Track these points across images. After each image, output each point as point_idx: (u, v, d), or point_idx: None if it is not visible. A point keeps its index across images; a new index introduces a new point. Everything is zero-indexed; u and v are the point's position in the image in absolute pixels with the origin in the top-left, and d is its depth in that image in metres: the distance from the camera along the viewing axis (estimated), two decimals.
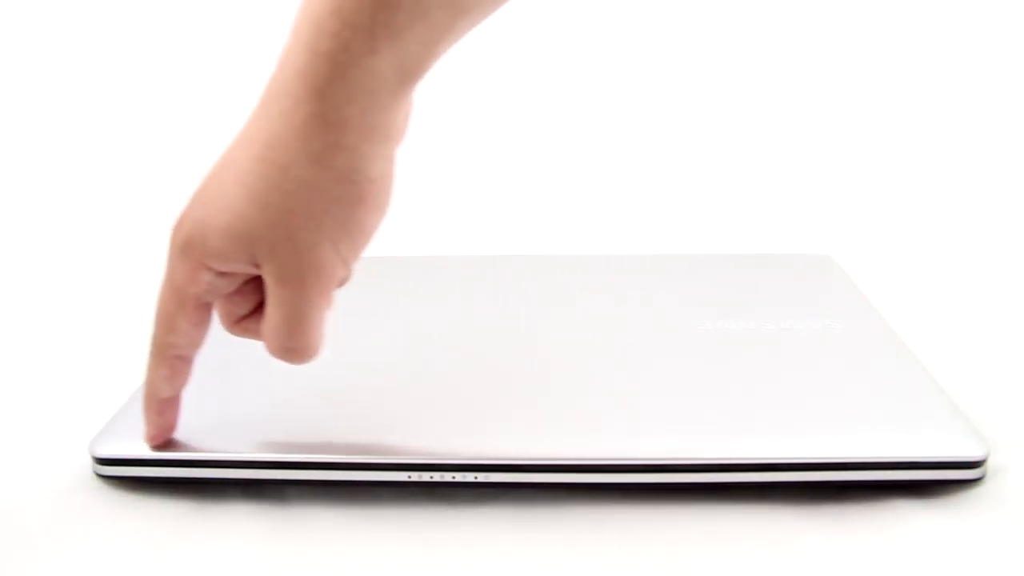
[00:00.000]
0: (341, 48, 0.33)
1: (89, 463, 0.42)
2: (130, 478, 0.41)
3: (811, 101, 0.88)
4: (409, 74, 0.35)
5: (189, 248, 0.37)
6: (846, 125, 0.86)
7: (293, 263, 0.36)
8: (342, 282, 0.39)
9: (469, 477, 0.40)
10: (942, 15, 0.90)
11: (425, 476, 0.40)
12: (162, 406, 0.40)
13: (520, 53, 0.90)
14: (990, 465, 0.40)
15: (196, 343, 0.39)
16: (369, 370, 0.46)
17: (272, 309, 0.37)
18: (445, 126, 0.87)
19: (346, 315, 0.53)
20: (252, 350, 0.49)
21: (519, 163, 0.85)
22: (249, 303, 0.39)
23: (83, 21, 0.92)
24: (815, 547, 0.37)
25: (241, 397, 0.44)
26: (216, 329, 0.51)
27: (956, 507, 0.39)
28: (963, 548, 0.37)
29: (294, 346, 0.37)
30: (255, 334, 0.39)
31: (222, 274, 0.37)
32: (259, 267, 0.36)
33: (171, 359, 0.39)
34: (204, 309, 0.38)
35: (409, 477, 0.40)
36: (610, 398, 0.43)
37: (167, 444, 0.41)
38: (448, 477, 0.40)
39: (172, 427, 0.41)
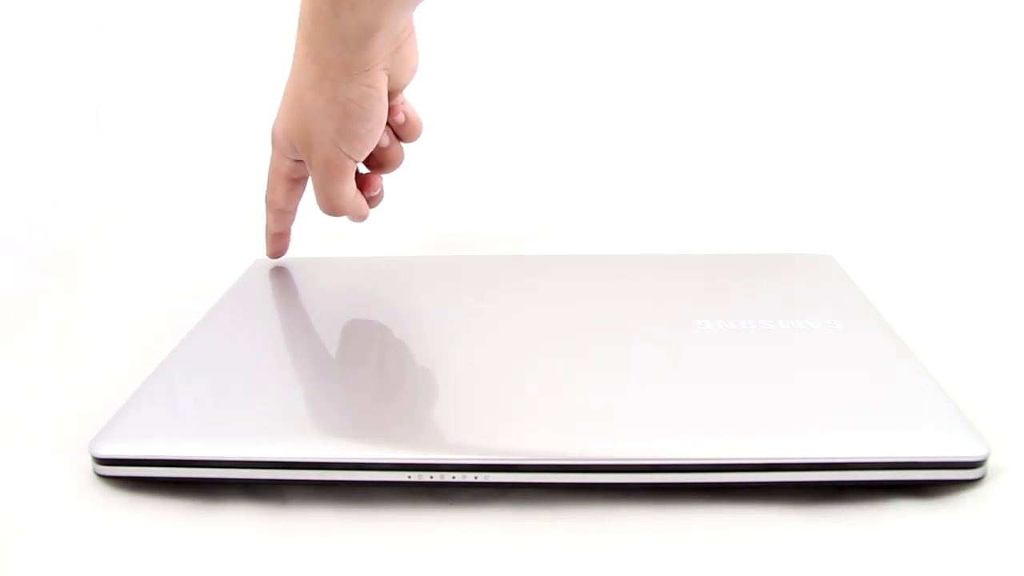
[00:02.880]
0: (314, 12, 0.47)
1: (89, 463, 0.42)
2: (130, 478, 0.41)
3: (811, 101, 0.88)
4: (371, 29, 0.47)
5: (272, 143, 0.56)
6: (846, 125, 0.86)
7: (312, 156, 0.52)
8: (386, 164, 0.58)
9: (469, 477, 0.40)
10: (942, 15, 0.90)
11: (425, 476, 0.40)
12: (275, 238, 0.60)
13: (520, 53, 0.91)
14: (990, 465, 0.40)
15: (290, 203, 0.58)
16: (369, 370, 0.46)
17: (313, 183, 0.54)
18: (445, 126, 0.88)
19: (346, 315, 0.53)
20: (252, 350, 0.49)
21: (519, 163, 0.85)
22: None
23: (83, 21, 0.92)
24: (815, 547, 0.37)
25: (241, 397, 0.44)
26: (217, 332, 0.51)
27: (956, 507, 0.39)
28: (963, 548, 0.37)
29: (328, 208, 0.54)
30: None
31: (296, 160, 0.55)
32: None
33: (274, 211, 0.58)
34: (293, 182, 0.57)
35: (409, 477, 0.40)
36: (610, 398, 0.43)
37: (165, 445, 0.41)
38: (448, 477, 0.40)
39: (283, 251, 0.60)
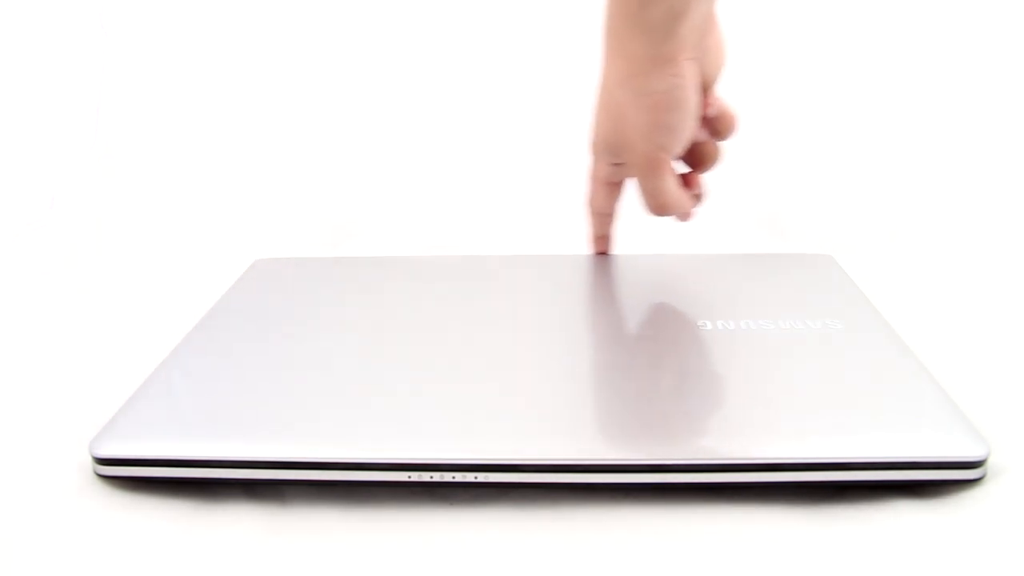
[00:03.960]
0: (621, 7, 0.48)
1: (89, 463, 0.42)
2: (130, 478, 0.41)
3: (812, 101, 0.88)
4: (677, 16, 0.47)
5: (591, 150, 0.57)
6: (846, 125, 0.86)
7: (630, 155, 0.53)
8: (704, 161, 0.56)
9: (469, 477, 0.40)
10: (942, 15, 0.90)
11: (425, 476, 0.40)
12: (599, 240, 0.62)
13: (520, 54, 0.90)
14: (990, 465, 0.40)
15: (610, 207, 0.60)
16: (369, 370, 0.46)
17: (636, 184, 0.54)
18: (445, 126, 0.88)
19: (346, 315, 0.53)
20: (252, 350, 0.49)
21: (519, 163, 0.85)
22: None
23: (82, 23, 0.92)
24: (815, 547, 0.37)
25: (241, 397, 0.44)
26: (217, 332, 0.51)
27: (956, 507, 0.39)
28: (963, 548, 0.37)
29: (654, 206, 0.54)
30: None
31: (615, 164, 0.56)
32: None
33: (596, 216, 0.61)
34: (612, 186, 0.59)
35: (409, 477, 0.40)
36: (611, 398, 0.43)
37: (167, 446, 0.41)
38: (448, 477, 0.40)
39: (608, 251, 0.62)
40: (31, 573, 0.37)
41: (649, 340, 0.49)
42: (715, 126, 0.55)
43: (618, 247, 0.64)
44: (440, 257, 0.63)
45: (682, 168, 0.57)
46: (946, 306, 0.58)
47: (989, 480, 0.40)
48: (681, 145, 0.53)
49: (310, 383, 0.45)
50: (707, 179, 0.57)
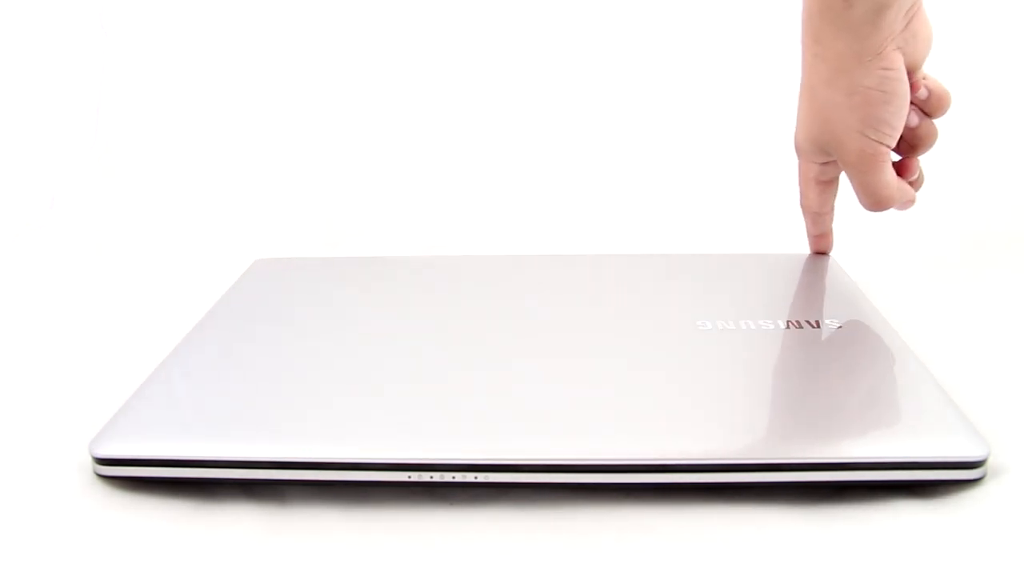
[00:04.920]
0: (824, 8, 0.49)
1: (89, 463, 0.42)
2: (130, 478, 0.41)
3: None
4: (882, 8, 0.47)
5: (797, 152, 0.57)
6: None
7: (842, 152, 0.53)
8: (919, 145, 0.55)
9: (469, 477, 0.40)
10: (942, 15, 0.90)
11: (425, 476, 0.40)
12: (817, 239, 0.61)
13: (521, 53, 0.90)
14: (990, 465, 0.40)
15: (824, 205, 0.59)
16: (369, 370, 0.46)
17: (851, 181, 0.54)
18: (444, 126, 0.88)
19: (346, 315, 0.53)
20: (252, 350, 0.49)
21: (519, 163, 0.85)
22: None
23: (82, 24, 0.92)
24: (814, 547, 0.37)
25: (241, 397, 0.44)
26: (217, 332, 0.51)
27: (956, 507, 0.39)
28: (963, 548, 0.37)
29: (872, 202, 0.54)
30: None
31: (824, 163, 0.56)
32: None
33: (811, 215, 0.60)
34: (824, 184, 0.58)
35: (409, 477, 0.40)
36: (610, 398, 0.43)
37: (167, 446, 0.41)
38: (448, 477, 0.40)
39: (828, 248, 0.61)
40: (31, 573, 0.37)
41: (649, 340, 0.49)
42: (927, 107, 0.54)
43: (618, 247, 0.64)
44: (440, 257, 0.63)
45: (895, 157, 0.56)
46: (946, 306, 0.58)
47: (989, 480, 0.40)
48: (895, 136, 0.52)
49: (310, 383, 0.45)
50: (922, 162, 0.57)
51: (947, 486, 0.40)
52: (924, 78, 0.54)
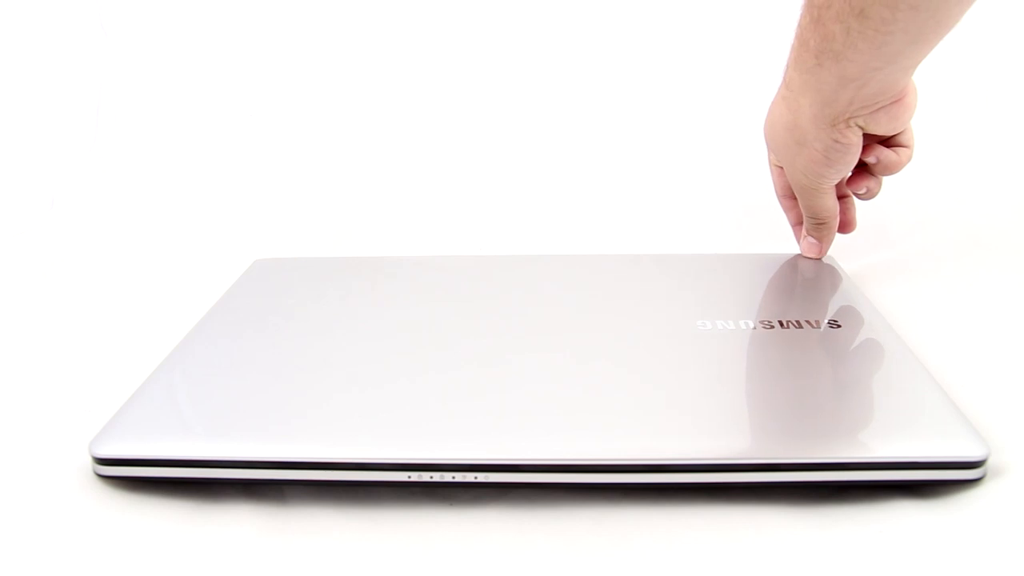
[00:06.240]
0: (798, 58, 0.49)
1: (89, 463, 0.42)
2: (130, 478, 0.41)
3: None
4: (843, 87, 0.47)
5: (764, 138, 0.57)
6: None
7: (788, 171, 0.55)
8: (867, 194, 0.57)
9: (469, 477, 0.40)
10: None
11: (425, 476, 0.40)
12: (810, 245, 0.59)
13: (520, 53, 0.90)
14: (990, 465, 0.40)
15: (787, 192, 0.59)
16: (369, 370, 0.46)
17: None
18: (445, 126, 0.88)
19: (346, 315, 0.53)
20: (252, 350, 0.49)
21: (518, 163, 0.85)
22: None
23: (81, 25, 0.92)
24: (815, 547, 0.37)
25: (241, 397, 0.44)
26: (217, 332, 0.51)
27: (956, 507, 0.39)
28: (963, 548, 0.37)
29: (809, 216, 0.57)
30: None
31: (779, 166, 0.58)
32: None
33: (782, 201, 0.60)
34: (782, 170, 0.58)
35: (409, 477, 0.40)
36: (610, 398, 0.43)
37: (167, 446, 0.41)
38: (448, 477, 0.40)
39: (820, 252, 0.60)
40: (31, 573, 0.37)
41: (649, 340, 0.49)
42: (872, 169, 0.55)
43: (617, 247, 0.64)
44: (440, 257, 0.63)
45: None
46: (945, 306, 0.58)
47: (989, 480, 0.40)
48: (834, 182, 0.54)
49: (310, 383, 0.45)
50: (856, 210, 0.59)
51: (947, 486, 0.40)
52: (881, 150, 0.54)
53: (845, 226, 0.59)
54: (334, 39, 0.91)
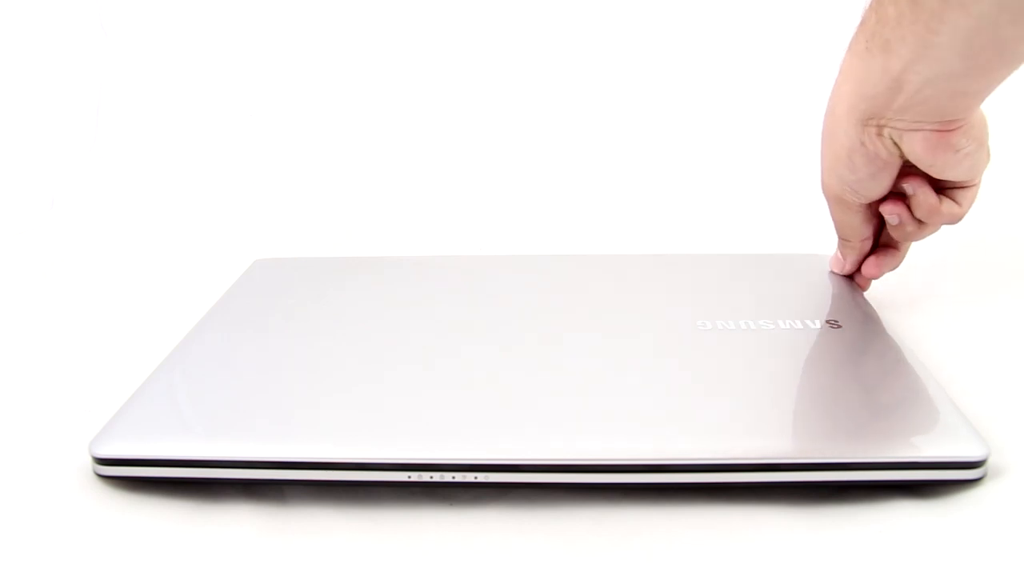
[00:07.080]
0: (853, 40, 0.47)
1: (89, 463, 0.42)
2: (130, 478, 0.41)
3: (811, 101, 0.88)
4: (894, 78, 0.44)
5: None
6: None
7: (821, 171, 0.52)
8: (893, 247, 0.55)
9: (469, 477, 0.40)
10: None
11: (425, 476, 0.40)
12: (834, 259, 0.56)
13: (521, 53, 0.90)
14: (990, 465, 0.40)
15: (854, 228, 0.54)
16: (369, 370, 0.46)
17: None
18: (445, 126, 0.88)
19: (346, 315, 0.53)
20: (252, 350, 0.49)
21: (518, 163, 0.85)
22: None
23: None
24: (815, 547, 0.37)
25: (241, 397, 0.44)
26: (217, 332, 0.51)
27: (956, 507, 0.39)
28: (963, 548, 0.37)
29: (835, 226, 0.54)
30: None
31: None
32: None
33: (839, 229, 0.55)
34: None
35: (409, 477, 0.40)
36: (610, 398, 0.43)
37: (166, 447, 0.41)
38: (448, 477, 0.40)
39: (841, 268, 0.56)
40: (31, 573, 0.37)
41: (649, 340, 0.49)
42: (909, 203, 0.51)
43: (616, 247, 0.64)
44: (440, 257, 0.63)
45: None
46: (945, 306, 0.58)
47: (989, 480, 0.40)
48: (857, 199, 0.50)
49: (310, 383, 0.45)
50: (887, 268, 0.55)
51: (947, 486, 0.40)
52: (923, 185, 0.49)
53: (887, 254, 0.55)
54: (334, 39, 0.91)
